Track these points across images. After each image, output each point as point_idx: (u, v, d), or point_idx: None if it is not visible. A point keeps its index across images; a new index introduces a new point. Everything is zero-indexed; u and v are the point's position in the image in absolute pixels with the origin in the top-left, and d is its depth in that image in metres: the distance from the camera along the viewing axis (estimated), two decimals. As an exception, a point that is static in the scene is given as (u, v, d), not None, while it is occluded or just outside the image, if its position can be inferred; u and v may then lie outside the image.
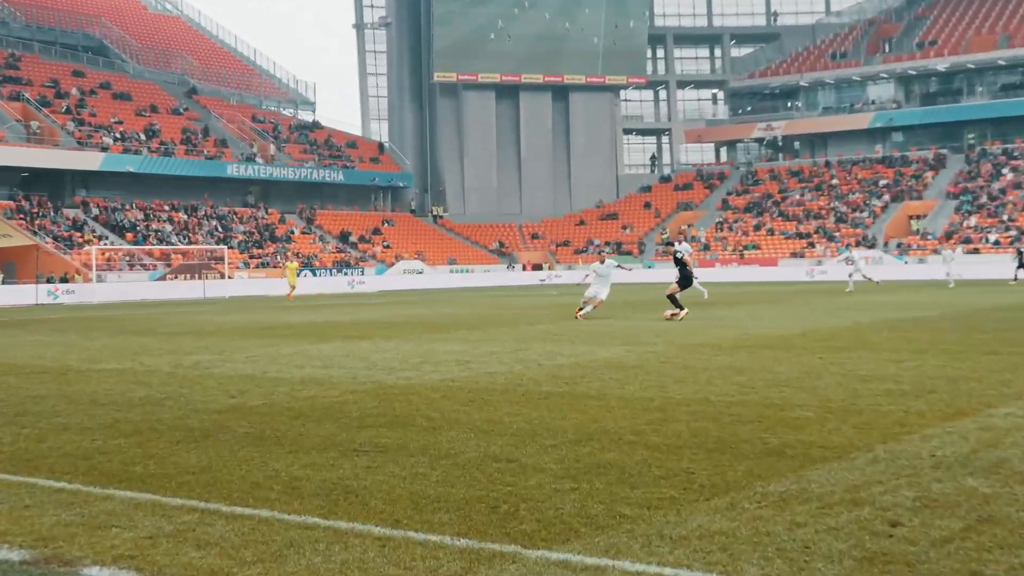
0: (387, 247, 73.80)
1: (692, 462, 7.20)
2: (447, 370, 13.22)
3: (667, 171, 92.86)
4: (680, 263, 23.78)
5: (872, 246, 67.58)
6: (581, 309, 24.16)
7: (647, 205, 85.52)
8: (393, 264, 69.42)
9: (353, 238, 73.47)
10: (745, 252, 71.68)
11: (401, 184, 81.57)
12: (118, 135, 66.48)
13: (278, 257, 64.18)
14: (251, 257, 63.22)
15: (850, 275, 40.55)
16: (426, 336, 19.54)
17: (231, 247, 62.55)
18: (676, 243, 24.64)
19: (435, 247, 77.30)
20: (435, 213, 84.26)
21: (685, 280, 23.83)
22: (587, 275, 25.01)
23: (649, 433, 8.33)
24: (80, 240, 57.43)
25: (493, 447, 7.88)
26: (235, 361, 15.15)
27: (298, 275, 60.37)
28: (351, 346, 17.43)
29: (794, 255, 69.42)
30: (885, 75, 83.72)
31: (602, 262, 24.44)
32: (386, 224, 78.40)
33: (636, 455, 7.47)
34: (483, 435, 8.39)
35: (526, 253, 80.00)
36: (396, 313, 29.86)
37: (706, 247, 74.21)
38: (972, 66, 79.84)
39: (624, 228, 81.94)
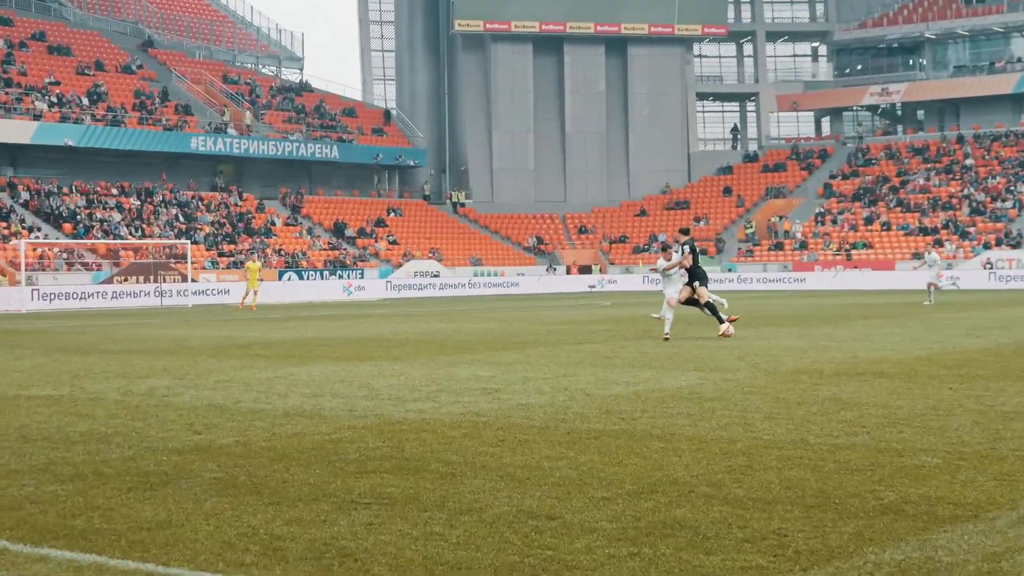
0: (393, 243, 74.13)
1: (785, 522, 7.19)
2: (470, 401, 13.26)
3: (753, 147, 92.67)
4: (693, 252, 24.01)
5: (1016, 245, 67.04)
6: (667, 335, 23.41)
7: (727, 191, 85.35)
8: (401, 265, 69.71)
9: (350, 231, 73.88)
10: (853, 252, 71.39)
11: (412, 163, 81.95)
12: (54, 99, 67.22)
13: (254, 255, 64.58)
14: (220, 255, 63.70)
15: (932, 284, 41.03)
16: (443, 357, 19.60)
17: (195, 242, 63.03)
18: (677, 243, 25.23)
19: (455, 243, 77.53)
20: (455, 200, 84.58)
21: (699, 277, 23.95)
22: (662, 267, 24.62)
23: (730, 484, 8.32)
24: (6, 232, 58.08)
25: (529, 500, 7.90)
26: (201, 387, 15.27)
27: (280, 277, 60.67)
28: (348, 369, 17.52)
29: (916, 256, 68.97)
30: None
31: (668, 259, 24.62)
32: (392, 214, 78.76)
33: (713, 512, 7.47)
34: (516, 484, 8.42)
35: (571, 252, 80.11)
36: (405, 328, 29.95)
37: (802, 245, 74.02)
38: None
39: (697, 220, 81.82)
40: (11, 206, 61.33)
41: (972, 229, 70.54)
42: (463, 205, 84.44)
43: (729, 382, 14.86)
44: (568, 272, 76.23)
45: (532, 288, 69.08)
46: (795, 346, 20.91)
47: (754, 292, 61.55)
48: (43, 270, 55.14)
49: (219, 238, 65.98)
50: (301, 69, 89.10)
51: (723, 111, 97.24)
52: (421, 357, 19.74)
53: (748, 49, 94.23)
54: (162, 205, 67.46)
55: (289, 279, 61.80)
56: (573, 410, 12.36)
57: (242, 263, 62.36)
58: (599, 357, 19.20)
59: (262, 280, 50.36)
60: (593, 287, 71.56)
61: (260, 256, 63.73)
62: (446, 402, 13.19)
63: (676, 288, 24.24)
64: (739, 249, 76.38)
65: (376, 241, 73.58)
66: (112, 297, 52.43)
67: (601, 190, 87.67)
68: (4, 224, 58.92)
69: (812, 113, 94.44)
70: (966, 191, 75.33)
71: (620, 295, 60.58)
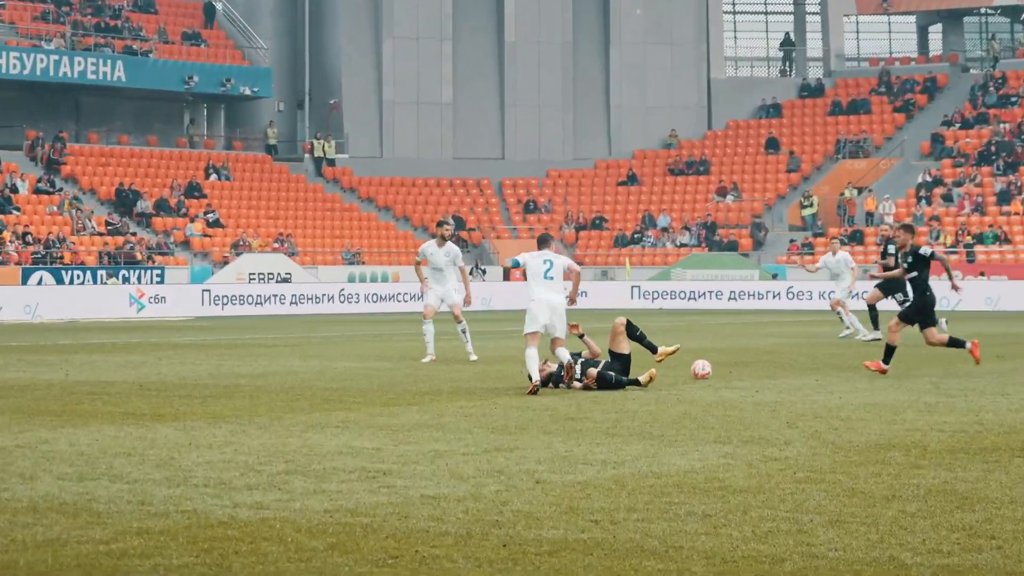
0: (216, 225, 73.71)
1: None
2: (342, 491, 13.22)
3: (814, 73, 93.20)
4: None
5: None
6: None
7: (772, 145, 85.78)
8: (227, 261, 69.35)
9: (144, 204, 73.37)
10: (977, 248, 71.78)
11: (248, 91, 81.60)
12: None
13: (-17, 242, 64.04)
14: (-75, 241, 63.20)
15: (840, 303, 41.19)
16: (297, 417, 19.55)
17: None
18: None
19: (318, 226, 77.31)
20: (320, 155, 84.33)
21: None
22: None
23: (772, 632, 8.34)
24: None
25: (440, 656, 7.88)
26: None
27: (25, 280, 60.13)
28: (138, 435, 17.41)
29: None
30: None
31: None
32: (215, 176, 78.41)
33: None
34: (419, 630, 8.40)
35: (512, 243, 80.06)
36: (234, 367, 29.83)
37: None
38: None
39: (722, 195, 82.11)
40: None
41: None
42: (332, 163, 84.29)
43: (773, 462, 14.90)
44: (506, 276, 76.23)
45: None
46: (881, 403, 21.01)
47: (815, 313, 61.83)
48: None
49: (-78, 213, 65.48)
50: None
51: (767, 13, 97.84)
52: (260, 415, 19.69)
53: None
54: None
55: (40, 282, 61.33)
56: (513, 507, 12.34)
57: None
58: (557, 418, 19.21)
59: None
60: (548, 302, 71.61)
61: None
62: (302, 491, 13.14)
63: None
64: (792, 242, 76.80)
65: (190, 221, 73.20)
66: None
67: (563, 141, 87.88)
68: None
69: (913, 19, 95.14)
70: None
71: (594, 315, 60.68)
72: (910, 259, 27.03)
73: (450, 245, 30.77)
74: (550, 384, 23.86)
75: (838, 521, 11.58)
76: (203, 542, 10.84)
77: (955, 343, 27.15)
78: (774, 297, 68.21)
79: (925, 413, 19.58)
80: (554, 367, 24.21)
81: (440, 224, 32.34)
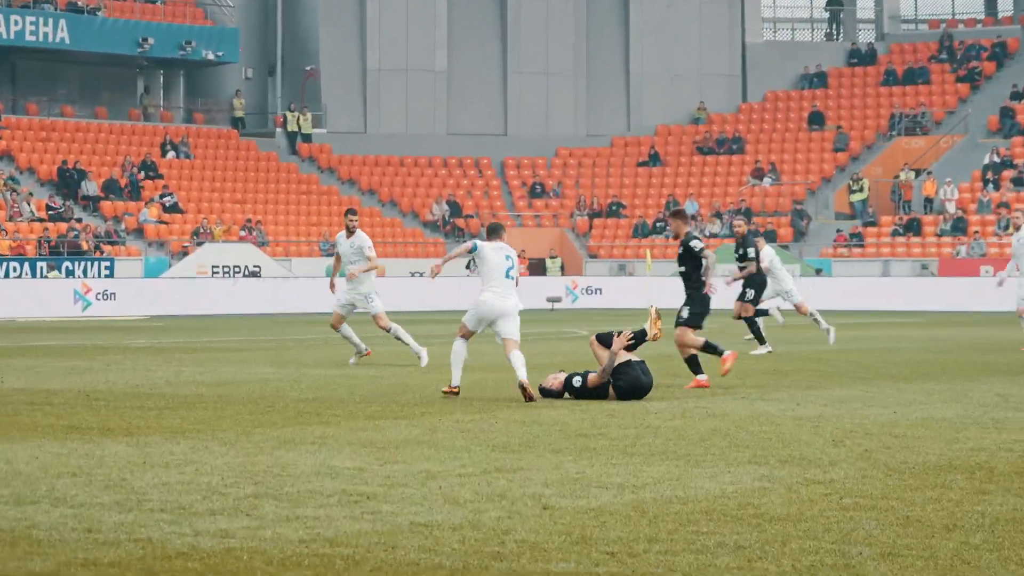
0: (173, 210, 73.69)
1: None
2: (319, 516, 13.24)
3: (865, 37, 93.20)
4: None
5: None
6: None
7: (815, 120, 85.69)
8: (187, 252, 69.34)
9: (91, 186, 73.35)
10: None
11: (211, 55, 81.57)
12: None
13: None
14: None
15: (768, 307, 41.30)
16: (268, 432, 19.60)
17: None
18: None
19: (292, 212, 77.33)
20: (294, 129, 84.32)
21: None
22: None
23: None
24: None
25: None
26: None
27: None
28: (85, 451, 17.43)
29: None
30: None
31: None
32: (173, 153, 78.38)
33: None
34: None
35: (515, 232, 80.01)
36: (195, 373, 29.86)
37: (957, 226, 74.33)
38: None
39: (758, 177, 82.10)
40: None
41: None
42: (308, 139, 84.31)
43: (816, 486, 14.91)
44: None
45: (439, 299, 68.94)
46: (940, 419, 21.03)
47: (865, 314, 61.81)
48: None
49: None
50: None
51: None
52: (225, 430, 19.73)
53: None
54: None
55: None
56: (517, 536, 12.36)
57: None
58: (567, 434, 19.25)
59: None
60: (556, 300, 71.61)
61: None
62: (273, 518, 13.17)
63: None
64: (839, 232, 76.77)
65: (143, 206, 73.20)
66: None
67: (575, 115, 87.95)
68: None
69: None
70: None
71: (609, 316, 60.61)
72: (680, 251, 27.06)
73: (359, 235, 31.55)
74: (564, 395, 23.97)
75: (891, 554, 11.58)
76: (160, 575, 10.86)
77: (711, 348, 27.06)
78: (824, 298, 67.45)
79: (991, 430, 19.59)
80: (565, 376, 24.33)
81: (346, 213, 32.58)
